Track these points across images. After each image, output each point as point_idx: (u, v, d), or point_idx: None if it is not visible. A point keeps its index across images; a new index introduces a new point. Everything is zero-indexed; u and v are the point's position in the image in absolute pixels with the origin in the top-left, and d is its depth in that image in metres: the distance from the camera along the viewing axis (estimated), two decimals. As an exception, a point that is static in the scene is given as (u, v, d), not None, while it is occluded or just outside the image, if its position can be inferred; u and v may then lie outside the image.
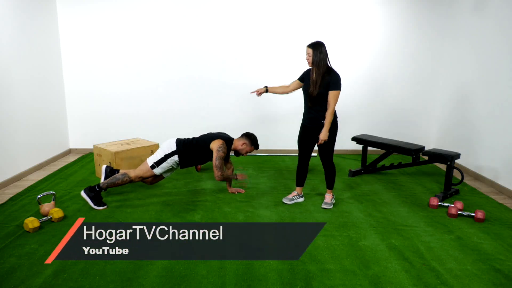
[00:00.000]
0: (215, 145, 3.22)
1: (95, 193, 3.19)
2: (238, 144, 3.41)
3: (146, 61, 5.05)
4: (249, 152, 3.49)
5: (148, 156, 4.07)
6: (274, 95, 5.05)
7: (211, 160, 3.30)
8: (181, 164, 3.32)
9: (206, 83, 5.14)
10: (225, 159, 3.54)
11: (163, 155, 3.26)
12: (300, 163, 3.39)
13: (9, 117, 3.88)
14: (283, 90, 3.38)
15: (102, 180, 3.40)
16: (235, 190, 3.68)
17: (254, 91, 3.44)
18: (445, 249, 2.61)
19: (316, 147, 3.31)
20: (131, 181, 3.25)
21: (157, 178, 3.50)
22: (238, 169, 3.23)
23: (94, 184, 3.24)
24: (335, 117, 3.13)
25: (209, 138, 3.34)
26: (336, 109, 3.11)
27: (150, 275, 2.24)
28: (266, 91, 3.41)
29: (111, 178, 3.22)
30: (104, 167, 3.48)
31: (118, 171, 3.48)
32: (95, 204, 3.19)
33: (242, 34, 5.01)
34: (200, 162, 3.41)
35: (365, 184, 4.03)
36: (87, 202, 3.23)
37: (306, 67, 3.25)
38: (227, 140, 3.36)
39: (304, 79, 3.20)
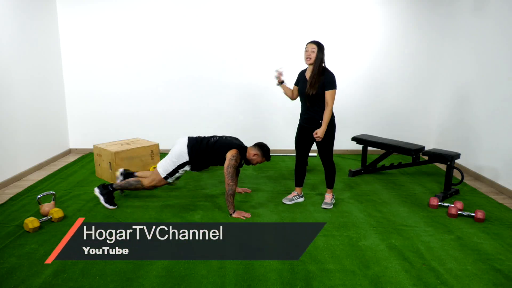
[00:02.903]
0: (230, 154, 3.14)
1: (108, 191, 3.21)
2: (250, 154, 3.32)
3: (146, 61, 5.05)
4: (260, 163, 3.43)
5: (148, 157, 4.09)
6: (274, 96, 5.08)
7: (222, 165, 3.24)
8: (192, 168, 3.30)
9: (206, 83, 5.14)
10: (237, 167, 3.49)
11: (174, 167, 3.21)
12: (298, 164, 3.40)
13: (9, 117, 3.88)
14: (289, 94, 3.32)
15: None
16: (241, 190, 3.69)
17: (277, 73, 3.25)
18: (445, 249, 2.61)
19: (314, 147, 3.31)
20: (144, 188, 3.27)
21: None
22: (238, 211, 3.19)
23: (107, 183, 3.27)
24: (332, 117, 3.13)
25: (225, 147, 3.21)
26: (335, 108, 3.11)
27: (150, 275, 2.24)
28: (281, 83, 3.29)
29: (125, 181, 3.24)
30: (119, 171, 3.51)
31: (134, 174, 3.52)
32: (106, 202, 3.20)
33: (242, 34, 5.01)
34: (213, 165, 3.35)
35: (365, 184, 4.03)
36: (98, 198, 3.25)
37: (305, 67, 3.25)
38: (241, 148, 3.27)
39: (299, 81, 3.21)
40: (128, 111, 5.17)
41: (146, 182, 3.25)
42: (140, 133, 5.06)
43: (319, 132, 3.06)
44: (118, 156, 3.82)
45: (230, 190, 3.06)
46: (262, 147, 3.35)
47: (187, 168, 3.25)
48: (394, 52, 5.10)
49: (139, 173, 3.53)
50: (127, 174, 3.50)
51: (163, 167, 3.24)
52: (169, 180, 3.25)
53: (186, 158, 3.20)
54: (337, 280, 2.22)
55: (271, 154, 5.11)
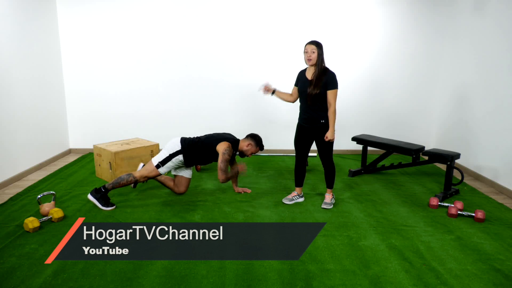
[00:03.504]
0: (221, 147, 3.21)
1: (102, 194, 3.19)
2: (244, 145, 3.40)
3: (146, 61, 5.05)
4: (254, 153, 3.49)
5: (148, 157, 4.09)
6: (273, 96, 5.07)
7: (216, 160, 3.30)
8: (186, 163, 3.31)
9: (206, 83, 5.14)
10: (231, 160, 3.54)
11: (167, 155, 3.25)
12: (298, 163, 3.40)
13: (9, 117, 3.88)
14: (288, 98, 3.34)
15: None
16: (241, 190, 3.69)
17: (263, 87, 3.33)
18: (445, 249, 2.61)
19: (314, 147, 3.31)
20: (136, 181, 3.25)
21: (181, 183, 3.47)
22: (239, 163, 3.26)
23: (99, 186, 3.24)
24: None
25: (215, 139, 3.30)
26: (336, 109, 3.11)
27: (150, 275, 2.24)
28: (273, 93, 3.33)
29: (116, 178, 3.23)
30: (141, 165, 3.58)
31: None
32: (103, 205, 3.19)
33: (242, 34, 5.01)
34: (205, 162, 3.39)
35: (365, 184, 4.03)
36: (94, 204, 3.22)
37: (304, 67, 3.25)
38: (233, 141, 3.34)
39: (299, 80, 3.21)
40: (128, 111, 5.17)
41: (137, 174, 3.25)
42: (140, 133, 5.06)
43: (329, 135, 3.08)
44: (118, 156, 3.82)
45: (223, 180, 3.19)
46: (254, 137, 3.44)
47: (179, 157, 3.26)
48: (394, 52, 5.10)
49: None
50: None
51: (156, 157, 3.29)
52: (161, 170, 3.25)
53: (178, 146, 3.26)
54: (337, 280, 2.22)
55: (271, 154, 5.18)
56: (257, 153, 5.18)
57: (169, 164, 3.26)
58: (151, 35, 4.98)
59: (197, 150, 3.28)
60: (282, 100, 3.39)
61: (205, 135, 3.43)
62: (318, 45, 3.03)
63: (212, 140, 3.30)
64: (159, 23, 4.95)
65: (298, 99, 3.29)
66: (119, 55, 5.01)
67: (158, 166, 3.24)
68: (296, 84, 3.27)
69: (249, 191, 3.70)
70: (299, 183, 3.46)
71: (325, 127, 3.11)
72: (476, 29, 4.38)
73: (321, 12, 4.97)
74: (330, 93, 3.02)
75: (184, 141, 3.29)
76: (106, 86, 5.09)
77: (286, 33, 5.01)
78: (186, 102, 5.18)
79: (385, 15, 5.01)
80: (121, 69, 5.06)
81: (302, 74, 3.20)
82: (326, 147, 3.19)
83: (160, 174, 3.29)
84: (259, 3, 4.93)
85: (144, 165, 3.54)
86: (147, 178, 3.29)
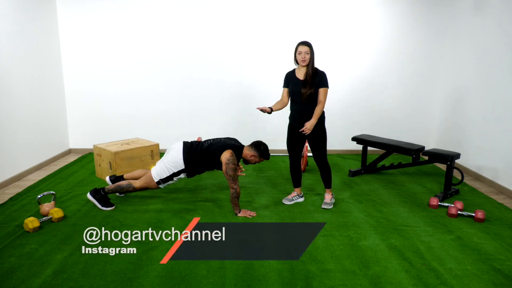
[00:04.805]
0: (224, 157, 3.07)
1: (101, 195, 3.19)
2: (247, 154, 3.27)
3: (146, 61, 5.05)
4: (259, 162, 3.40)
5: (148, 157, 4.09)
6: (274, 96, 5.07)
7: (220, 169, 3.19)
8: (188, 175, 3.27)
9: (206, 83, 5.13)
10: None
11: (169, 174, 3.17)
12: (292, 164, 3.39)
13: (9, 117, 3.88)
14: (282, 106, 3.24)
15: None
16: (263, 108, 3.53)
17: (260, 108, 3.18)
18: (445, 249, 2.61)
19: (308, 148, 3.30)
20: (135, 190, 3.25)
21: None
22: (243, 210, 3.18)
23: (99, 187, 3.24)
24: (322, 117, 3.14)
25: (219, 148, 3.16)
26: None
27: (150, 275, 2.24)
28: (270, 112, 3.15)
29: (115, 185, 3.21)
30: (107, 178, 3.52)
31: (122, 177, 3.49)
32: (103, 206, 3.18)
33: (242, 34, 5.01)
34: (208, 170, 3.32)
35: (365, 184, 4.03)
36: (93, 204, 3.23)
37: (291, 68, 3.26)
38: (236, 148, 3.21)
39: (289, 82, 3.18)
40: (128, 111, 5.17)
41: (137, 184, 3.22)
42: (140, 133, 5.06)
43: (308, 124, 3.01)
44: (118, 156, 3.82)
45: (235, 193, 3.04)
46: (258, 148, 3.26)
47: (182, 176, 3.23)
48: (394, 52, 5.09)
49: (127, 175, 3.49)
50: (115, 179, 3.50)
51: (157, 171, 3.20)
52: (161, 186, 3.24)
53: (182, 166, 3.17)
54: (337, 280, 2.22)
55: (271, 154, 5.13)
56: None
57: (170, 182, 3.25)
58: (151, 35, 4.98)
59: (201, 160, 3.18)
60: (279, 110, 3.27)
61: (208, 141, 3.28)
62: (310, 45, 3.05)
63: (216, 148, 3.16)
64: (159, 23, 4.95)
65: (289, 101, 3.24)
66: (119, 55, 5.01)
67: (159, 183, 3.21)
68: (285, 86, 3.23)
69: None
70: (296, 183, 3.46)
71: (317, 126, 3.11)
72: (476, 29, 4.38)
73: (321, 12, 4.97)
74: (321, 91, 3.04)
75: (186, 156, 3.17)
76: (106, 86, 5.09)
77: (286, 33, 5.00)
78: (186, 102, 5.18)
79: (385, 15, 5.01)
80: (121, 69, 5.06)
81: (291, 75, 3.18)
82: (319, 148, 3.18)
83: (158, 188, 3.29)
84: (259, 3, 4.93)
85: (110, 176, 3.53)
86: (146, 189, 3.28)
